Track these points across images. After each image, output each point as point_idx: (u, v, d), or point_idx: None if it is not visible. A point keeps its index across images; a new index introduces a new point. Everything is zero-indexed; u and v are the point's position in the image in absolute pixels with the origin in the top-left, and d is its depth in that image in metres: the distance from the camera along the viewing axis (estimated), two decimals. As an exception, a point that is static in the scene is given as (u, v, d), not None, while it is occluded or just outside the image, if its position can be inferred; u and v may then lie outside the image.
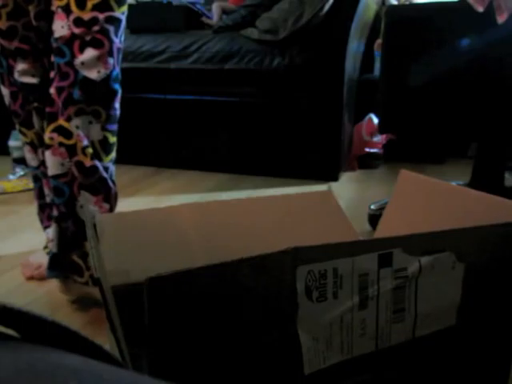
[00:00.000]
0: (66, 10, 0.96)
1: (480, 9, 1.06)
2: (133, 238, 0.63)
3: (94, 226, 0.59)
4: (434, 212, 0.69)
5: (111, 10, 0.98)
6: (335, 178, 2.11)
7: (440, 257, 0.51)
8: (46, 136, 1.01)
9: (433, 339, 0.54)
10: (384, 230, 0.75)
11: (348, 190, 1.98)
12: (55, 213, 1.03)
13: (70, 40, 0.97)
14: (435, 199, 0.69)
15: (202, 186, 2.04)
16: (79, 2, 0.96)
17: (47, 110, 1.02)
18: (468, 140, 1.93)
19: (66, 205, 1.01)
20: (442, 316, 0.54)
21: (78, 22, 0.96)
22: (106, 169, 1.03)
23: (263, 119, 2.14)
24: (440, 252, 0.51)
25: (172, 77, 2.19)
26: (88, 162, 0.99)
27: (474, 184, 1.50)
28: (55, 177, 1.00)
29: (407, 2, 2.23)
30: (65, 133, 0.99)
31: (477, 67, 1.28)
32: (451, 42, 1.28)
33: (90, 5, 0.96)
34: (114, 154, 1.06)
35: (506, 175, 1.51)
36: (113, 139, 1.04)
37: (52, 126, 1.00)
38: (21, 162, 2.03)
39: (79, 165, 0.99)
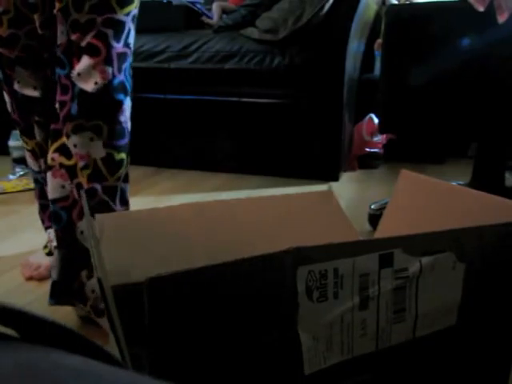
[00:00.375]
0: (65, 13, 0.88)
1: (480, 8, 1.06)
2: (133, 238, 0.63)
3: (94, 225, 0.59)
4: (434, 212, 0.69)
5: (112, 11, 0.89)
6: (335, 178, 2.11)
7: (440, 257, 0.51)
8: (49, 156, 0.94)
9: (433, 339, 0.54)
10: (384, 230, 0.75)
11: (348, 190, 1.98)
12: (55, 239, 0.97)
13: (67, 48, 0.90)
14: (435, 199, 0.69)
15: (202, 186, 2.04)
16: (77, 3, 0.87)
17: (52, 126, 0.95)
18: (468, 140, 1.93)
19: (63, 231, 0.95)
20: (443, 316, 0.54)
21: (74, 25, 0.88)
22: (111, 189, 0.93)
23: (263, 119, 2.14)
24: (440, 252, 0.51)
25: (172, 77, 2.19)
26: (86, 184, 0.91)
27: (474, 184, 1.50)
28: (54, 201, 0.94)
29: (407, 2, 2.23)
30: (66, 152, 0.92)
31: (477, 67, 1.28)
32: (451, 41, 1.28)
33: (87, 6, 0.87)
34: (123, 171, 0.96)
35: (506, 175, 1.51)
36: (119, 156, 0.94)
37: (55, 146, 0.93)
38: (21, 162, 2.03)
39: (80, 187, 0.92)
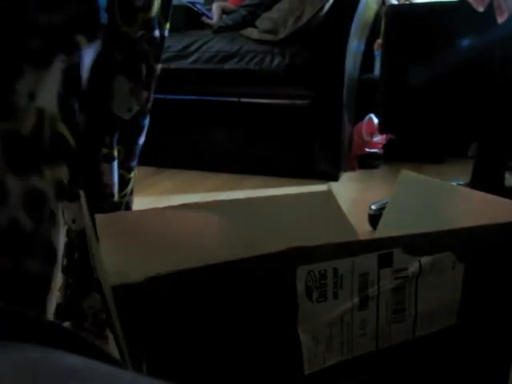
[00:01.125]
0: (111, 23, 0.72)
1: (480, 8, 1.06)
2: (133, 238, 0.63)
3: (94, 226, 0.59)
4: (434, 212, 0.69)
5: (158, 26, 0.76)
6: (335, 178, 2.11)
7: (440, 257, 0.51)
8: None
9: (433, 339, 0.54)
10: (384, 230, 0.75)
11: (348, 190, 1.98)
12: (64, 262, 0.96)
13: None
14: (435, 199, 0.69)
15: (202, 186, 2.04)
16: (128, 14, 0.70)
17: None
18: (468, 140, 1.93)
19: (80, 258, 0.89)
20: (442, 316, 0.54)
21: (120, 40, 0.72)
22: (116, 205, 0.89)
23: (263, 119, 2.14)
24: (440, 252, 0.51)
25: (172, 77, 2.19)
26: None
27: (473, 184, 1.50)
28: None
29: (407, 2, 2.23)
30: None
31: (477, 67, 1.28)
32: (451, 41, 1.28)
33: (140, 20, 0.72)
34: (129, 188, 0.91)
35: (506, 175, 1.51)
36: (129, 176, 0.88)
37: None
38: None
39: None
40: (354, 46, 2.09)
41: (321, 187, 2.02)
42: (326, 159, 2.11)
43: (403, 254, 0.49)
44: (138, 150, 0.87)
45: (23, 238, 0.60)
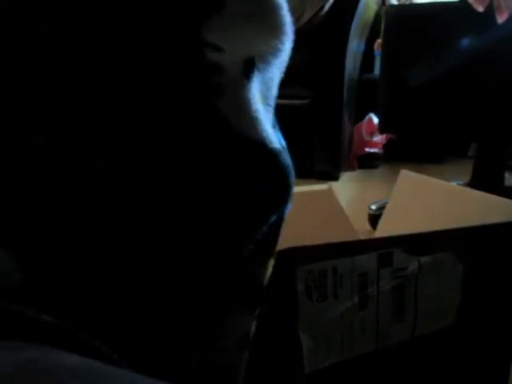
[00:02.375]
0: None
1: (480, 8, 1.06)
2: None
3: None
4: (434, 212, 0.69)
5: None
6: (335, 178, 2.11)
7: (440, 257, 0.51)
8: None
9: (433, 339, 0.54)
10: (384, 230, 0.75)
11: (348, 190, 1.98)
12: None
13: None
14: (435, 199, 0.69)
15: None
16: None
17: None
18: (468, 140, 1.93)
19: None
20: (442, 315, 0.54)
21: None
22: None
23: (263, 119, 2.14)
24: (440, 252, 0.51)
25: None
26: None
27: (473, 184, 1.50)
28: None
29: (407, 2, 2.23)
30: None
31: (477, 67, 1.28)
32: (451, 41, 1.28)
33: None
34: None
35: (506, 175, 1.51)
36: None
37: None
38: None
39: None
40: (354, 46, 2.09)
41: (321, 187, 2.01)
42: (325, 159, 2.11)
43: (403, 254, 0.49)
44: None
45: None
